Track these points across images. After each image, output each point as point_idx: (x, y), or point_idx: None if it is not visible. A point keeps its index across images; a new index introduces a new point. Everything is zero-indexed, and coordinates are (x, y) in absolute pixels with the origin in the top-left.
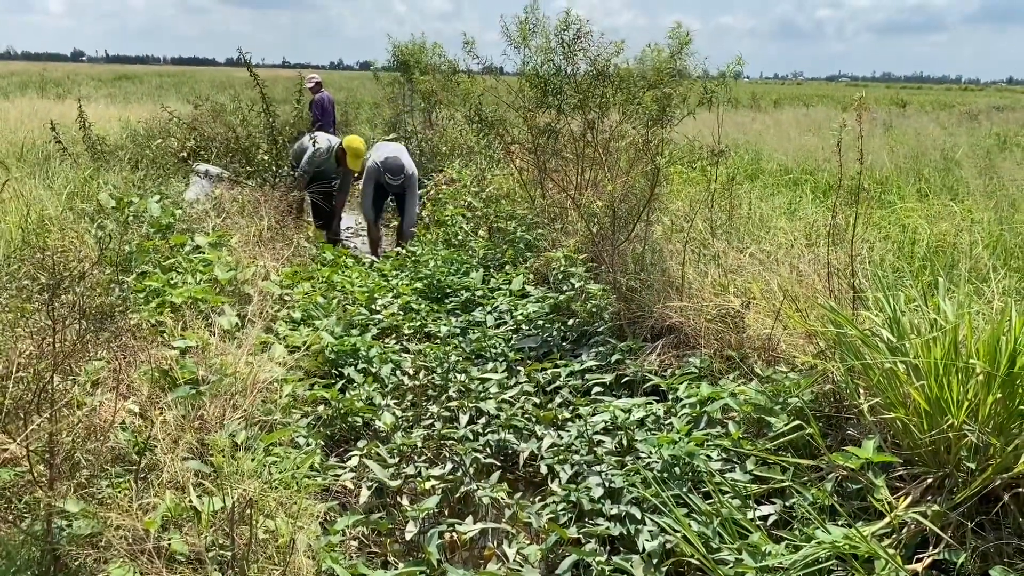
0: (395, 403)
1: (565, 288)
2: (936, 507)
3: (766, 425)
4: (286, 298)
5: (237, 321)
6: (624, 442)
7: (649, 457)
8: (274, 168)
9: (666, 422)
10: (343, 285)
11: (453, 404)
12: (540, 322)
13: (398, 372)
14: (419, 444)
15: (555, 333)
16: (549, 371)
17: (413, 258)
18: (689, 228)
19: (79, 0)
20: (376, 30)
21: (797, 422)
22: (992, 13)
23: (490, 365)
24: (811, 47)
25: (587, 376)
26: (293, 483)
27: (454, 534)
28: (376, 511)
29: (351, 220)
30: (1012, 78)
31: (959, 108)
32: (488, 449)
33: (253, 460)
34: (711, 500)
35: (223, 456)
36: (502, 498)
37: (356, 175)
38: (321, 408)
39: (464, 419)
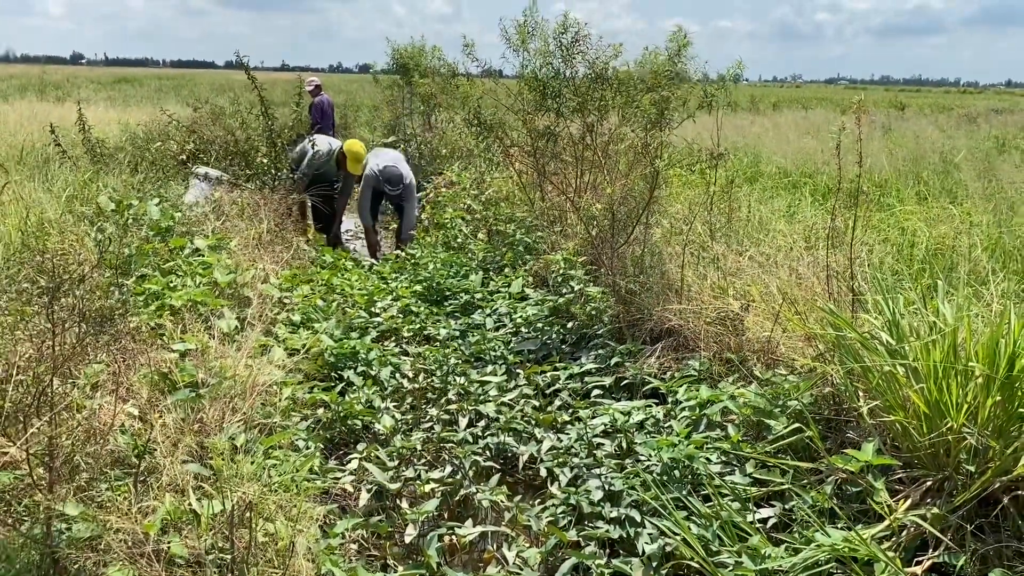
0: (394, 406)
1: (564, 291)
2: (936, 510)
3: (765, 428)
4: (285, 301)
5: (236, 324)
6: (624, 445)
7: (649, 460)
8: (273, 171)
9: (666, 425)
10: (342, 288)
11: (452, 407)
12: (539, 325)
13: (397, 375)
14: (418, 447)
15: (554, 336)
16: (548, 374)
17: (412, 261)
18: (688, 231)
19: (78, 2)
20: (375, 33)
21: (796, 425)
22: (991, 16)
23: (489, 368)
24: (810, 50)
25: (586, 379)
26: (293, 486)
27: (454, 537)
28: (376, 514)
29: (350, 223)
30: (1011, 81)
31: (958, 111)
32: (488, 452)
33: (253, 463)
34: (711, 503)
35: (222, 459)
36: (501, 501)
37: (357, 179)
38: (320, 411)
39: (463, 422)
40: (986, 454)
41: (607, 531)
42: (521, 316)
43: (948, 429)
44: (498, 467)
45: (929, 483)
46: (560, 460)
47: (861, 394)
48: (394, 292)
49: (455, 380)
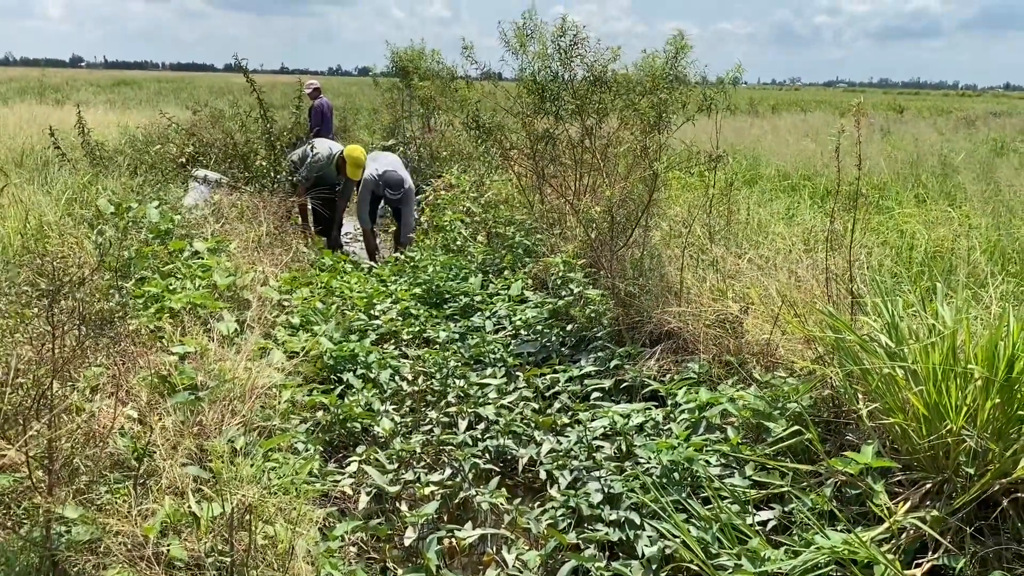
0: (394, 409)
1: (564, 293)
2: (935, 512)
3: (765, 430)
4: (285, 304)
5: (236, 327)
6: (623, 447)
7: (648, 462)
8: (272, 174)
9: (665, 427)
10: (342, 291)
11: (452, 410)
12: (539, 327)
13: (397, 378)
14: (418, 450)
15: (554, 338)
16: (548, 376)
17: (412, 263)
18: (687, 233)
19: (78, 5)
20: (375, 36)
21: (796, 427)
22: (990, 19)
23: (489, 370)
24: (809, 53)
25: (586, 381)
26: (292, 489)
27: (453, 540)
28: (375, 517)
29: (349, 226)
30: (1009, 84)
31: (956, 114)
32: (487, 455)
33: (252, 466)
34: (710, 505)
35: (222, 462)
36: (501, 504)
37: (357, 183)
38: (320, 414)
39: (463, 424)
40: (985, 456)
41: (607, 534)
42: (520, 319)
43: (947, 431)
44: (497, 470)
45: (928, 485)
46: (560, 463)
47: (860, 396)
48: (393, 295)
49: (454, 383)
